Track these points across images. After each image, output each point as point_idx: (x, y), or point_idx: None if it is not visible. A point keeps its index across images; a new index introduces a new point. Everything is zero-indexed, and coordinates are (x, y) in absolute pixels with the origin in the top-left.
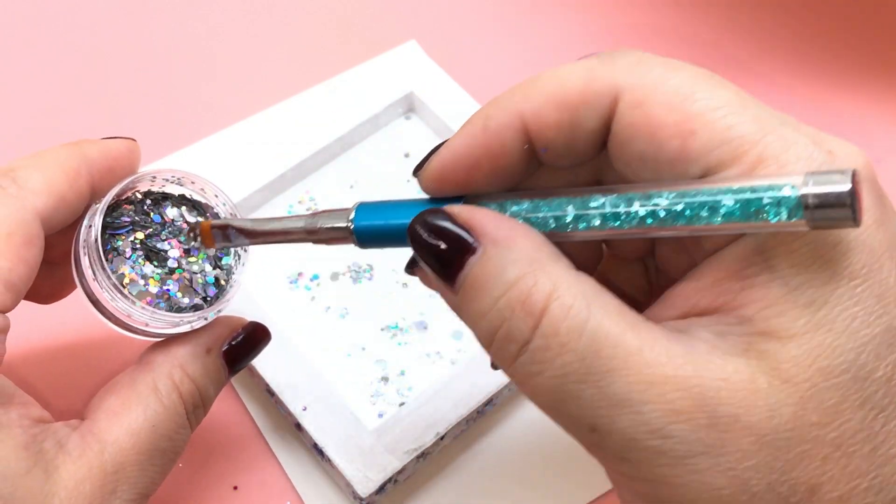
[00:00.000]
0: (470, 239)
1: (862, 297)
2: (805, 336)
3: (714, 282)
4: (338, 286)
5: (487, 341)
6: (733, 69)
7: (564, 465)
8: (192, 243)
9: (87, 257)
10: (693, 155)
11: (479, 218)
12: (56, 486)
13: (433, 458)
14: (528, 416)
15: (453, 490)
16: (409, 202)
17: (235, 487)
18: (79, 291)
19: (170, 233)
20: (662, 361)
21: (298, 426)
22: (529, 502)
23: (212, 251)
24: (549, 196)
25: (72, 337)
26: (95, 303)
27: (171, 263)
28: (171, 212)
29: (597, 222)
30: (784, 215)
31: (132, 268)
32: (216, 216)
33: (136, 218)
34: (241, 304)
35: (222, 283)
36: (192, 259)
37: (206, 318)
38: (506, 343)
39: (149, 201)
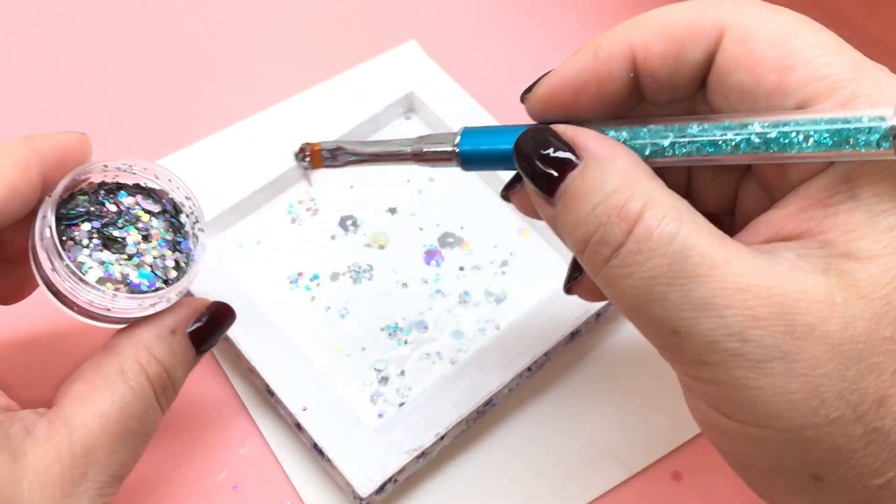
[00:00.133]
0: (572, 154)
1: None
2: (884, 258)
3: (800, 209)
4: (338, 286)
5: (581, 246)
6: None
7: (564, 465)
8: (302, 163)
9: (43, 248)
10: (790, 88)
11: (583, 136)
12: (25, 470)
13: (433, 458)
14: (528, 417)
15: (453, 490)
16: (511, 127)
17: (235, 487)
18: (42, 287)
19: (126, 220)
20: (746, 272)
21: (298, 426)
22: (529, 502)
23: (191, 228)
24: (648, 123)
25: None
26: (56, 293)
27: (130, 250)
28: (126, 200)
29: (693, 148)
30: (874, 144)
31: (90, 256)
32: (171, 202)
33: (91, 208)
34: (240, 304)
35: (182, 265)
36: (151, 244)
37: (168, 300)
38: (600, 247)
39: (103, 191)
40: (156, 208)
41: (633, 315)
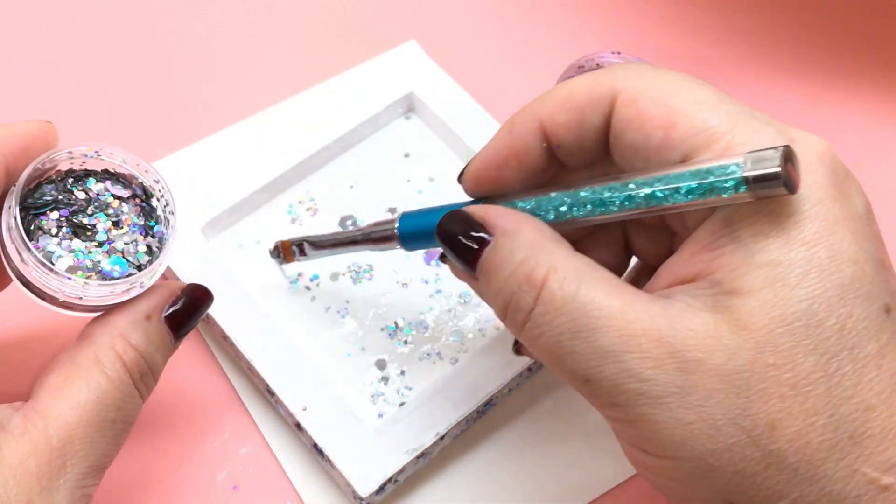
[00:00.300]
0: (485, 233)
1: (815, 257)
2: (762, 291)
3: (692, 254)
4: (338, 286)
5: (502, 314)
6: (734, 68)
7: (564, 465)
8: (277, 259)
9: (10, 239)
10: (674, 143)
11: (491, 214)
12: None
13: (433, 458)
14: (528, 417)
15: (453, 490)
16: (445, 208)
17: (235, 487)
18: (13, 279)
19: (96, 207)
20: (641, 318)
21: (298, 426)
22: (529, 502)
23: (163, 212)
24: (549, 191)
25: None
26: (27, 284)
27: (101, 237)
28: (96, 187)
29: (588, 209)
30: (734, 190)
31: (59, 244)
32: (141, 186)
33: (60, 196)
34: (241, 304)
35: (155, 250)
36: (122, 230)
37: (142, 286)
38: (515, 313)
39: (71, 179)
40: (126, 193)
41: (553, 368)
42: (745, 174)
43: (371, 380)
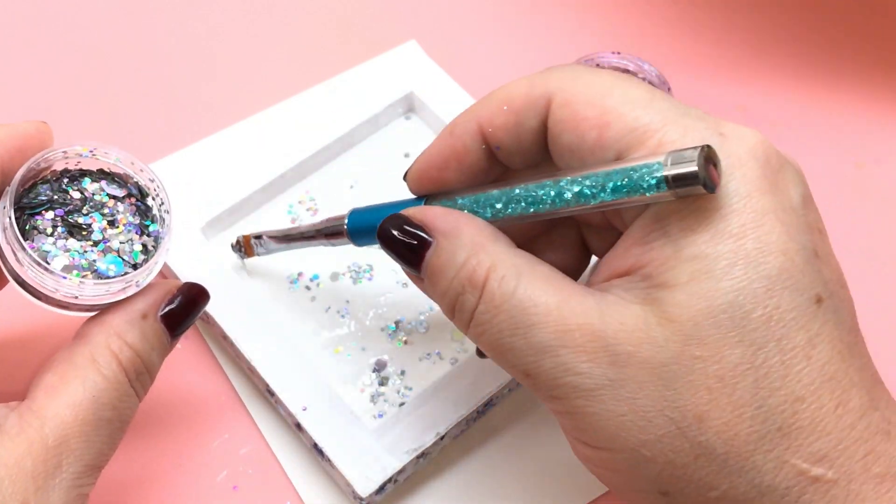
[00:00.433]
0: (425, 235)
1: (741, 249)
2: (689, 284)
3: (625, 249)
4: (338, 286)
5: (450, 314)
6: (734, 68)
7: (564, 465)
8: (239, 253)
9: (5, 239)
10: (608, 143)
11: (429, 216)
12: None
13: (433, 458)
14: (529, 417)
15: (453, 490)
16: (391, 205)
17: (235, 487)
18: (9, 279)
19: (92, 207)
20: (576, 313)
21: (298, 426)
22: (529, 502)
23: (158, 211)
24: (488, 189)
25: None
26: (23, 284)
27: (96, 236)
28: (91, 186)
29: (521, 206)
30: (654, 190)
31: (55, 244)
32: (136, 186)
33: (55, 196)
34: (241, 304)
35: (151, 249)
36: (118, 230)
37: (138, 285)
38: (461, 313)
39: (66, 179)
40: (121, 193)
41: (498, 363)
42: (665, 173)
43: (371, 380)
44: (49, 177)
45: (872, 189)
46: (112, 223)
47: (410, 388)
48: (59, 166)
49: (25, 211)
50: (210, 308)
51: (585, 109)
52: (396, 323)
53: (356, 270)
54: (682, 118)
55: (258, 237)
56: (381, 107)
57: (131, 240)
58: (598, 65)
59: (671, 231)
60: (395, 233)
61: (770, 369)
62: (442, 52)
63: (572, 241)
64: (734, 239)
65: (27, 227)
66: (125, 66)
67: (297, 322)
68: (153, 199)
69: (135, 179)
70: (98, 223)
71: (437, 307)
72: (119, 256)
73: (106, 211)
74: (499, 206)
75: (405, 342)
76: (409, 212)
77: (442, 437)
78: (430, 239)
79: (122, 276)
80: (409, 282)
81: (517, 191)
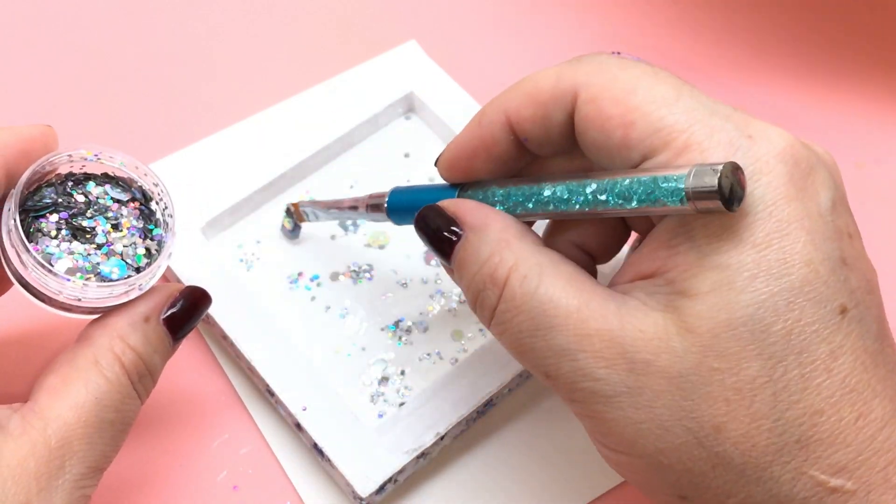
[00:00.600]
0: (456, 227)
1: (764, 260)
2: (710, 294)
3: (651, 251)
4: (338, 286)
5: (474, 309)
6: (734, 68)
7: (564, 465)
8: (291, 220)
9: (10, 241)
10: (632, 143)
11: (462, 209)
12: None
13: (433, 458)
14: (528, 417)
15: (453, 490)
16: (429, 188)
17: (235, 487)
18: (12, 280)
19: (96, 210)
20: (595, 317)
21: (298, 426)
22: (529, 502)
23: (162, 215)
24: (520, 183)
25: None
26: (26, 286)
27: (100, 239)
28: (95, 190)
29: (550, 206)
30: (677, 203)
31: (59, 246)
32: (140, 190)
33: (59, 199)
34: (241, 304)
35: (154, 252)
36: (121, 233)
37: (140, 288)
38: (482, 310)
39: (70, 182)
40: (125, 197)
41: (522, 363)
42: (687, 189)
43: (371, 380)
44: (54, 180)
45: (872, 189)
46: (116, 227)
47: (410, 388)
48: (63, 170)
49: (30, 213)
50: (210, 308)
51: (610, 107)
52: (396, 323)
53: (356, 270)
54: (709, 118)
55: (307, 206)
56: (381, 107)
57: (135, 243)
58: None
59: (696, 236)
60: (429, 223)
61: (789, 382)
62: (442, 52)
63: (614, 219)
64: (757, 249)
65: (31, 230)
66: (125, 65)
67: (297, 322)
68: (157, 203)
69: (139, 183)
70: (102, 227)
71: (436, 307)
72: (122, 260)
73: (110, 214)
74: (529, 205)
75: (405, 342)
76: (443, 204)
77: (442, 437)
78: (460, 232)
79: (126, 279)
80: (409, 282)
81: (546, 193)
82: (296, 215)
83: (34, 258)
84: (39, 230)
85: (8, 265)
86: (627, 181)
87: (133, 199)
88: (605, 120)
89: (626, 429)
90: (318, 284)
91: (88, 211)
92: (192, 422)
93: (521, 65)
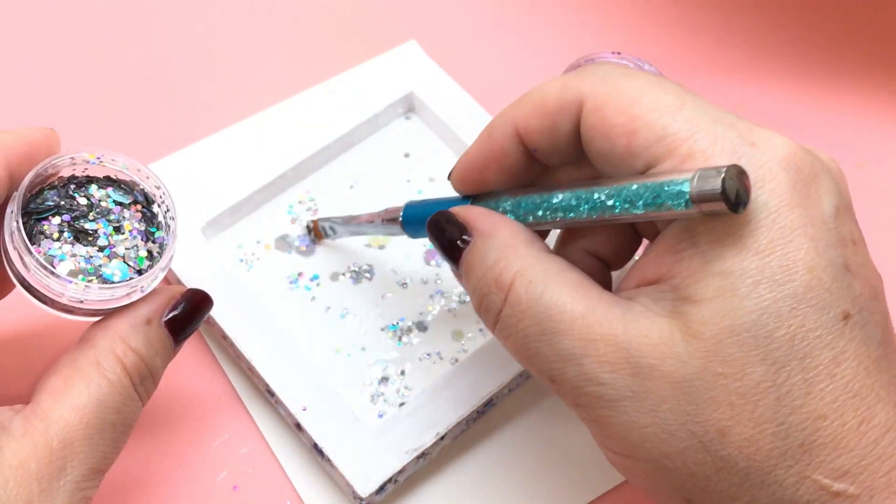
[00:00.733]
0: (465, 233)
1: (766, 266)
2: (714, 300)
3: (656, 257)
4: (338, 286)
5: (478, 313)
6: (733, 70)
7: (564, 465)
8: (311, 237)
9: (12, 243)
10: (636, 151)
11: (472, 215)
12: (0, 467)
13: (433, 458)
14: (528, 417)
15: (453, 490)
16: (443, 201)
17: (235, 487)
18: (15, 282)
19: (98, 213)
20: (601, 322)
21: (298, 426)
22: (529, 502)
23: (164, 218)
24: (530, 192)
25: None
26: (29, 288)
27: (102, 242)
28: (98, 193)
29: (559, 214)
30: (682, 206)
31: (61, 249)
32: (143, 192)
33: (62, 202)
34: (241, 304)
35: (156, 255)
36: (123, 236)
37: (142, 290)
38: (486, 313)
39: (73, 185)
40: (127, 199)
41: (524, 366)
42: (692, 192)
43: (371, 380)
44: (56, 183)
45: (872, 189)
46: (118, 229)
47: (410, 388)
48: (66, 172)
49: (32, 216)
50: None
51: (615, 116)
52: (396, 323)
53: (356, 270)
54: (712, 126)
55: (325, 222)
56: (381, 107)
57: (136, 246)
58: None
59: (700, 242)
60: (440, 228)
61: (792, 387)
62: (442, 52)
63: (624, 225)
64: (760, 256)
65: (34, 232)
66: (125, 65)
67: (297, 322)
68: (159, 206)
69: (141, 186)
70: (104, 229)
71: (436, 307)
72: (124, 262)
73: (112, 217)
74: (539, 213)
75: (405, 342)
76: (455, 210)
77: (442, 437)
78: (468, 238)
79: (127, 281)
80: (409, 282)
81: (555, 200)
82: (314, 233)
83: (36, 260)
84: (42, 232)
85: (10, 267)
86: (634, 186)
87: (135, 202)
88: (609, 129)
89: (631, 433)
90: (318, 284)
91: (91, 213)
92: (192, 422)
93: (521, 65)
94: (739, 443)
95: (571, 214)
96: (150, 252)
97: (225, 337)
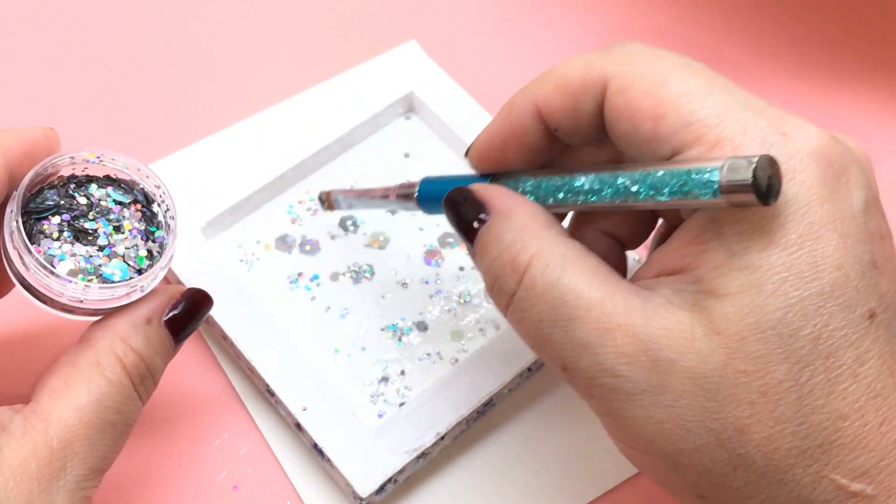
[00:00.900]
0: (482, 211)
1: (794, 263)
2: (738, 295)
3: (679, 246)
4: (338, 286)
5: (490, 294)
6: (733, 70)
7: (564, 465)
8: (323, 206)
9: (12, 243)
10: (663, 136)
11: (490, 194)
12: (0, 467)
13: (433, 458)
14: (528, 417)
15: (453, 490)
16: (461, 178)
17: (235, 487)
18: (14, 282)
19: (98, 213)
20: (619, 311)
21: (298, 426)
22: (529, 502)
23: (164, 217)
24: (551, 174)
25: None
26: (28, 287)
27: (102, 241)
28: (97, 192)
29: (580, 198)
30: (710, 196)
31: (61, 248)
32: (143, 192)
33: (61, 201)
34: (241, 304)
35: (156, 254)
36: (123, 235)
37: (142, 290)
38: (499, 295)
39: (73, 184)
40: (127, 199)
41: (535, 352)
42: (721, 182)
43: (371, 380)
44: (56, 182)
45: None
46: (118, 229)
47: (410, 388)
48: (66, 172)
49: (32, 215)
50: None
51: (641, 99)
52: (396, 323)
53: (356, 270)
54: (741, 112)
55: (339, 192)
56: (381, 107)
57: (136, 245)
58: None
59: (726, 233)
60: (456, 204)
61: (814, 387)
62: (442, 52)
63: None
64: (788, 252)
65: (34, 232)
66: (125, 65)
67: (297, 322)
68: (159, 205)
69: (141, 186)
70: (104, 228)
71: (436, 307)
72: (124, 262)
73: (112, 217)
74: (560, 195)
75: (405, 342)
76: (474, 187)
77: (442, 437)
78: (485, 216)
79: (127, 281)
80: (409, 282)
81: (577, 184)
82: (327, 203)
83: (36, 260)
84: (41, 232)
85: (10, 267)
86: (660, 173)
87: (135, 202)
88: (634, 112)
89: (647, 427)
90: (318, 284)
91: (90, 213)
92: (192, 422)
93: (521, 65)
94: (758, 441)
95: (594, 199)
96: (149, 251)
97: (225, 337)
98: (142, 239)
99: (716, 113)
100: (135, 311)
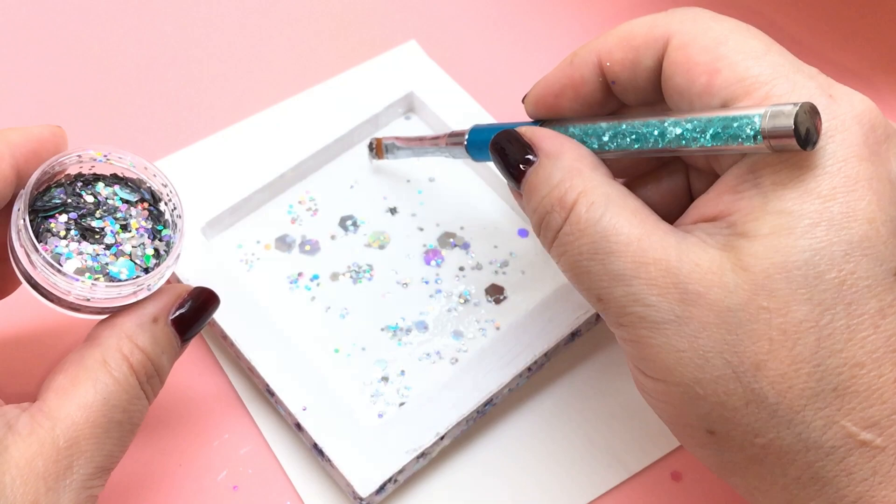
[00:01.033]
0: (530, 152)
1: (827, 211)
2: (769, 237)
3: (717, 194)
4: (338, 286)
5: (537, 229)
6: None
7: (564, 465)
8: (371, 153)
9: (19, 241)
10: (715, 89)
11: (538, 135)
12: (6, 465)
13: (433, 458)
14: (528, 417)
15: (453, 490)
16: (510, 125)
17: (235, 487)
18: (21, 280)
19: (105, 211)
20: (655, 247)
21: (298, 426)
22: (529, 502)
23: (170, 216)
24: (598, 121)
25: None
26: (35, 286)
27: (109, 240)
28: (104, 191)
29: (626, 141)
30: (752, 140)
31: (68, 246)
32: (149, 190)
33: (69, 199)
34: (241, 304)
35: (163, 253)
36: (130, 234)
37: (149, 288)
38: (546, 231)
39: (80, 183)
40: (134, 197)
41: (574, 285)
42: (763, 126)
43: (371, 380)
44: (63, 180)
45: None
46: (125, 227)
47: (410, 388)
48: (73, 170)
49: (39, 214)
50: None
51: (699, 54)
52: (396, 323)
53: (356, 270)
54: (793, 74)
55: (390, 143)
56: (381, 107)
57: (143, 244)
58: None
59: (763, 183)
60: (504, 145)
61: (834, 331)
62: (442, 52)
63: (678, 184)
64: (822, 200)
65: (41, 230)
66: (126, 65)
67: (297, 322)
68: (165, 203)
69: (148, 184)
70: (111, 227)
71: (436, 307)
72: (131, 260)
73: (119, 215)
74: (605, 138)
75: (405, 342)
76: (521, 129)
77: (442, 437)
78: (534, 158)
79: (134, 279)
80: (410, 282)
81: (624, 126)
82: (377, 151)
83: (43, 258)
84: (49, 230)
85: (17, 265)
86: (705, 117)
87: (142, 200)
88: (692, 66)
89: (668, 356)
90: (318, 284)
91: (97, 211)
92: (192, 422)
93: (521, 65)
94: (773, 378)
95: (637, 144)
96: (156, 250)
97: (225, 337)
98: (149, 237)
99: (769, 72)
100: (142, 310)
